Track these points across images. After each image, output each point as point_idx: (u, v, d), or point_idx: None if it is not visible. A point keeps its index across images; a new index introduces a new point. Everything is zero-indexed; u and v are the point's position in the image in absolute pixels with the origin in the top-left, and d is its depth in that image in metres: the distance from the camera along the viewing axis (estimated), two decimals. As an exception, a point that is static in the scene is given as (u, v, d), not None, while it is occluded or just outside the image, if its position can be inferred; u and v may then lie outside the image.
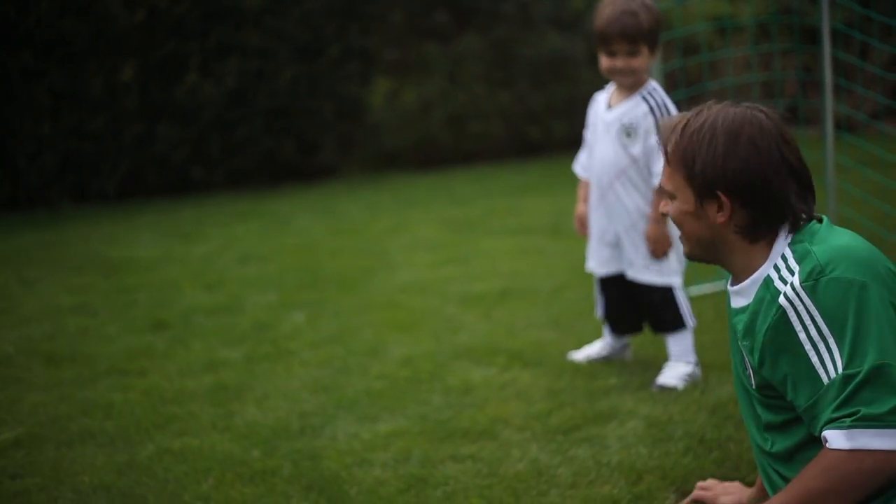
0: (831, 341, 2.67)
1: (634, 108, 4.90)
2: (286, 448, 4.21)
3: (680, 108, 5.07)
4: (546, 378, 4.94)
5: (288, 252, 8.28)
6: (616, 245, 4.97)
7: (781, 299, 2.73)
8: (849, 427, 2.61)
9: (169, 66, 11.80)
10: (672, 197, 2.93)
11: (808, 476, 2.72)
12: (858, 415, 2.61)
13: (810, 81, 11.28)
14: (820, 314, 2.68)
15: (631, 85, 4.92)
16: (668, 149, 2.89)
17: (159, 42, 11.66)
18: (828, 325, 2.67)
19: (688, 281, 5.61)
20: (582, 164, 5.25)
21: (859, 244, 2.79)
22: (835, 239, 2.79)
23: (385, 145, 13.95)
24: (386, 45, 14.17)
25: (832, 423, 2.65)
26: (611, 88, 5.08)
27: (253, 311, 6.44)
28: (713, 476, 3.62)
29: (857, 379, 2.62)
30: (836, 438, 2.63)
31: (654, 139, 4.79)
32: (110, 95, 11.47)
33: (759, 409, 2.94)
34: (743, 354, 2.93)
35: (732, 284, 2.97)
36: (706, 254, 2.95)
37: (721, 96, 3.19)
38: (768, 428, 2.93)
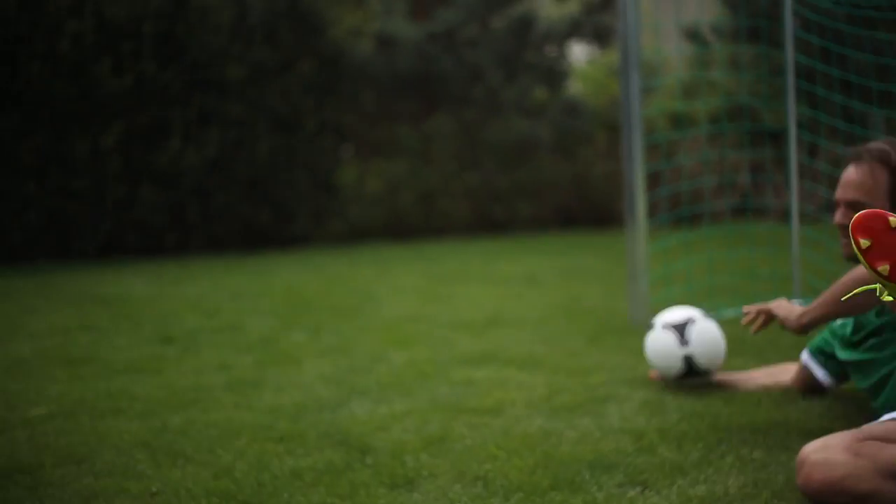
0: None
1: None
2: (308, 419, 4.53)
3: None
4: (542, 376, 5.30)
5: (277, 292, 8.63)
6: None
7: None
8: None
9: (152, 132, 12.23)
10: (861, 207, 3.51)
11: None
12: None
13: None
14: None
15: None
16: None
17: (144, 108, 12.08)
18: None
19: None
20: None
21: None
22: None
23: (356, 219, 14.37)
24: (360, 123, 14.67)
25: None
26: None
27: (258, 330, 6.77)
28: (707, 435, 4.02)
29: None
30: None
31: None
32: (94, 158, 11.84)
33: None
34: None
35: None
36: None
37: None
38: None
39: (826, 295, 3.79)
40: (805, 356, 4.63)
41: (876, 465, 3.14)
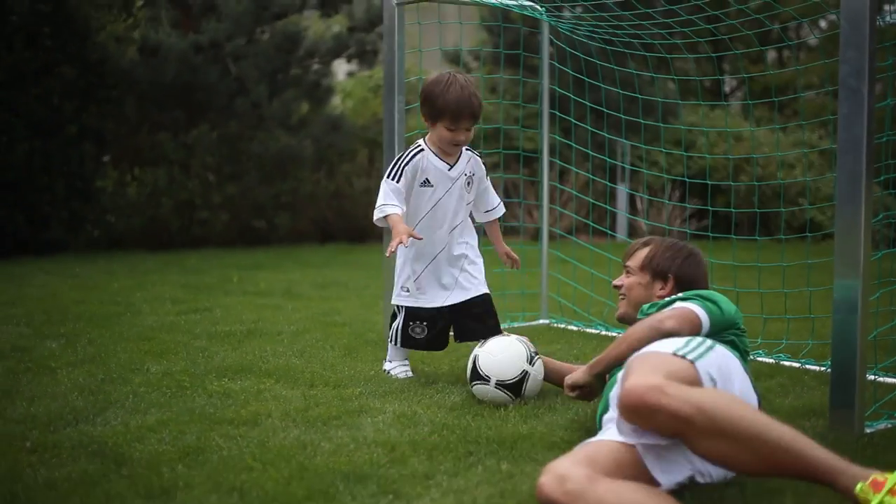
0: None
1: (470, 163, 5.70)
2: (63, 429, 4.50)
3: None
4: (299, 388, 5.40)
5: (31, 300, 8.47)
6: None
7: None
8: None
9: None
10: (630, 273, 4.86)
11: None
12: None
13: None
14: None
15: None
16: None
17: None
18: None
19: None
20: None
21: None
22: None
23: (115, 227, 14.17)
24: (121, 130, 14.48)
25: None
26: (430, 152, 5.60)
27: (10, 339, 6.65)
28: (457, 447, 4.20)
29: None
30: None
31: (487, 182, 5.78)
32: None
33: None
34: None
35: None
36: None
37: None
38: None
39: (611, 348, 4.42)
40: None
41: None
